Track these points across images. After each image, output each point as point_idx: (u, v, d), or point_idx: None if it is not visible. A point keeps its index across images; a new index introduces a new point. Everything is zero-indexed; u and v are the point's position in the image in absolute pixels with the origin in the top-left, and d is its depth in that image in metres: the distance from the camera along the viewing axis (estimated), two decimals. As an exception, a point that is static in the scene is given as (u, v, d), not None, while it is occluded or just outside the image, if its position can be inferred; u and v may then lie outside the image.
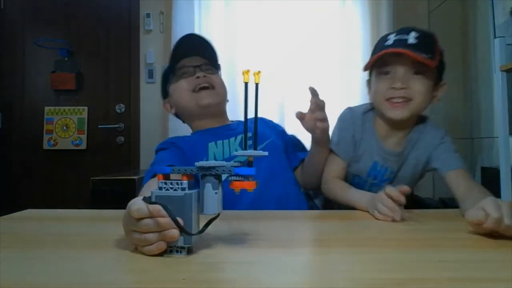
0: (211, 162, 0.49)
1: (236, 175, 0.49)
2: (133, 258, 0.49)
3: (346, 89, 2.25)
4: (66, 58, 2.45)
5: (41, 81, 2.46)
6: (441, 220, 0.76)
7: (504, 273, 0.42)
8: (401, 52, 0.81)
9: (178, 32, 2.28)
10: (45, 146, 2.43)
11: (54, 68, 2.45)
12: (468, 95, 2.19)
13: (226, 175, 0.49)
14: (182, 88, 1.03)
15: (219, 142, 0.96)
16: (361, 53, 2.30)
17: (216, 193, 0.49)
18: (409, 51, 0.80)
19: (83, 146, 2.44)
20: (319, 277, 0.43)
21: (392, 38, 0.84)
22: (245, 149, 0.51)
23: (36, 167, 2.44)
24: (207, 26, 2.32)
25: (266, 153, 0.52)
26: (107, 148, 2.46)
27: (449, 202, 2.04)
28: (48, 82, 2.44)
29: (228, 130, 1.03)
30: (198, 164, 0.49)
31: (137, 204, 0.47)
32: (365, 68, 0.92)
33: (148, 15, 2.43)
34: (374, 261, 0.47)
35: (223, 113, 1.10)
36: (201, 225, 0.51)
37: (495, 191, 1.52)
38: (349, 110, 0.98)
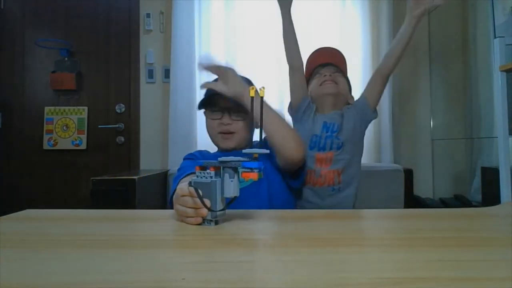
0: (228, 158, 0.66)
1: (244, 167, 0.64)
2: (133, 258, 0.49)
3: (346, 89, 2.25)
4: (66, 58, 2.45)
5: (41, 81, 2.46)
6: (441, 220, 0.76)
7: (504, 272, 0.42)
8: (328, 62, 1.32)
9: (178, 32, 2.28)
10: (45, 146, 2.43)
11: (54, 68, 2.45)
12: (468, 95, 2.19)
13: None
14: (210, 126, 1.13)
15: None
16: (361, 53, 2.30)
17: (232, 180, 0.66)
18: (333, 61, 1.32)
19: (83, 146, 2.44)
20: (319, 277, 0.43)
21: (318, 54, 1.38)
22: (260, 146, 0.67)
23: (36, 167, 2.44)
24: (207, 26, 2.33)
25: (267, 151, 0.67)
26: (107, 148, 2.46)
27: (449, 202, 2.05)
28: (48, 82, 2.44)
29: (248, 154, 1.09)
30: (220, 159, 0.67)
31: (182, 185, 0.70)
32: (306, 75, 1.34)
33: (148, 15, 2.43)
34: (374, 261, 0.47)
35: (245, 144, 1.14)
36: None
37: (495, 191, 1.52)
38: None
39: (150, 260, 0.47)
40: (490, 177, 1.78)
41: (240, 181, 0.67)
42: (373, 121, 1.32)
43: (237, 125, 1.09)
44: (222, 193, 0.66)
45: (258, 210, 0.83)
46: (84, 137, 2.44)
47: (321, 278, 0.43)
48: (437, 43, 2.42)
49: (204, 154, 1.15)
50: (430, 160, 2.43)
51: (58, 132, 2.44)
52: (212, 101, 1.11)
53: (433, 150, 2.43)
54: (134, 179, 1.75)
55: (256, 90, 0.70)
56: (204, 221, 0.66)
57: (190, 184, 0.67)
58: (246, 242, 0.57)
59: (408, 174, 2.10)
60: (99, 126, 2.45)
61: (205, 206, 0.64)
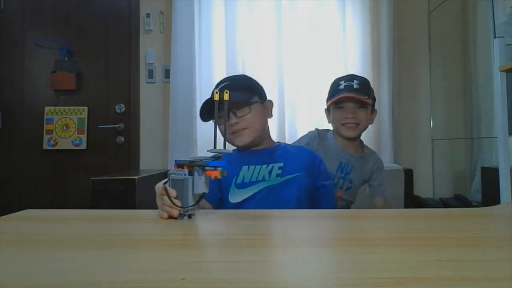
0: (196, 157, 0.71)
1: (208, 166, 0.69)
2: (133, 258, 0.49)
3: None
4: (66, 58, 2.45)
5: (41, 81, 2.46)
6: (441, 220, 0.76)
7: (503, 272, 0.42)
8: (351, 96, 1.25)
9: (178, 32, 2.28)
10: (45, 146, 2.43)
11: (54, 68, 2.45)
12: (468, 95, 2.19)
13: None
14: (220, 130, 1.06)
15: (252, 166, 1.05)
16: (361, 53, 2.30)
17: (200, 178, 0.70)
18: (355, 94, 1.25)
19: (83, 146, 2.44)
20: (319, 277, 0.43)
21: (343, 84, 1.28)
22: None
23: (36, 167, 2.44)
24: (207, 26, 2.33)
25: (230, 151, 0.73)
26: (107, 148, 2.46)
27: (449, 202, 2.05)
28: (48, 82, 2.44)
29: (266, 155, 1.08)
30: (189, 158, 0.72)
31: (159, 184, 0.75)
32: (328, 104, 1.33)
33: (148, 15, 2.43)
34: (374, 261, 0.47)
35: (264, 139, 1.12)
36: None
37: (495, 191, 1.52)
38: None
39: (150, 260, 0.47)
40: (490, 177, 1.78)
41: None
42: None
43: (245, 120, 1.06)
44: (193, 188, 0.70)
45: (258, 210, 0.83)
46: (84, 137, 2.44)
47: (321, 278, 0.43)
48: (437, 43, 2.42)
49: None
50: (430, 160, 2.43)
51: (58, 132, 2.44)
52: (213, 109, 1.09)
53: (433, 150, 2.43)
54: (134, 179, 1.75)
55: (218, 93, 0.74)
56: (178, 216, 0.71)
57: (164, 183, 0.73)
58: (245, 242, 0.57)
59: (408, 174, 2.10)
60: (99, 126, 2.45)
61: (175, 205, 0.69)
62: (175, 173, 0.72)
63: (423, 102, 2.44)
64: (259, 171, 1.04)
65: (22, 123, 2.46)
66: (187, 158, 0.73)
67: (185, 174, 0.70)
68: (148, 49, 2.44)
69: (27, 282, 0.40)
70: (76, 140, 2.44)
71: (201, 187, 0.70)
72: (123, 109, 2.46)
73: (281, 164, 1.04)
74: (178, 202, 0.70)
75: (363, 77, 1.33)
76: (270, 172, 1.03)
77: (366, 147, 1.39)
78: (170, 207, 0.71)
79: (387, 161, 2.20)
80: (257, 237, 0.59)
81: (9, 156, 2.44)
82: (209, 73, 2.28)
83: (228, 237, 0.59)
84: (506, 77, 1.50)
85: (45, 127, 2.44)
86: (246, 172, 1.04)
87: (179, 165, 0.72)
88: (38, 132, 2.44)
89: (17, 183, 2.43)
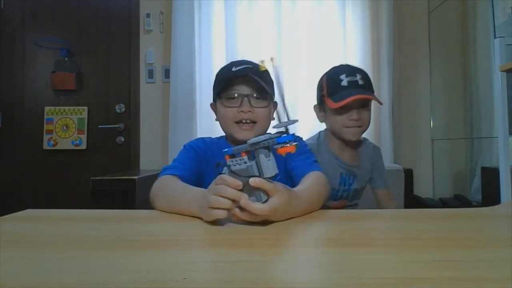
0: (259, 138, 0.63)
1: (278, 143, 0.62)
2: (133, 258, 0.49)
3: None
4: (66, 58, 2.46)
5: (41, 81, 2.46)
6: (441, 220, 0.76)
7: (504, 272, 0.42)
8: (362, 97, 1.07)
9: (178, 32, 2.28)
10: (45, 146, 2.43)
11: (54, 68, 2.45)
12: (468, 95, 2.19)
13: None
14: (225, 116, 0.98)
15: None
16: (361, 53, 2.30)
17: (269, 159, 0.63)
18: (366, 95, 1.08)
19: (83, 146, 2.44)
20: (318, 277, 0.43)
21: (345, 80, 1.09)
22: (287, 118, 0.66)
23: (36, 167, 2.44)
24: (207, 26, 2.33)
25: (297, 120, 0.68)
26: (107, 148, 2.46)
27: (449, 202, 2.05)
28: (48, 82, 2.44)
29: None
30: (249, 141, 0.64)
31: (223, 176, 0.64)
32: (332, 106, 1.10)
33: (148, 15, 2.43)
34: (374, 261, 0.47)
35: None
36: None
37: (495, 191, 1.52)
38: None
39: (150, 260, 0.47)
40: (490, 177, 1.78)
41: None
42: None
43: (259, 114, 0.95)
44: (262, 174, 0.63)
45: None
46: (84, 137, 2.44)
47: (321, 278, 0.43)
48: (437, 43, 2.42)
49: (207, 141, 1.04)
50: (430, 160, 2.43)
51: (58, 132, 2.44)
52: (230, 86, 0.96)
53: (433, 150, 2.44)
54: (134, 179, 1.75)
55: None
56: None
57: (227, 172, 0.65)
58: (246, 242, 0.57)
59: (408, 174, 2.10)
60: (99, 126, 2.45)
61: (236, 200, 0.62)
62: (231, 164, 0.65)
63: (423, 102, 2.44)
64: None
65: (22, 123, 2.46)
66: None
67: (245, 162, 0.64)
68: (148, 49, 2.44)
69: (27, 282, 0.40)
70: (76, 140, 2.44)
71: (273, 168, 0.63)
72: (123, 109, 2.46)
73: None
74: (244, 196, 0.62)
75: (361, 69, 1.16)
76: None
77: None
78: (234, 199, 0.61)
79: (387, 161, 2.20)
80: (257, 237, 0.59)
81: (9, 156, 2.44)
82: (209, 73, 2.28)
83: (228, 237, 0.59)
84: (506, 77, 1.50)
85: (45, 127, 2.44)
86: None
87: (232, 154, 0.65)
88: (38, 132, 2.44)
89: (17, 183, 2.43)
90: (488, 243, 0.55)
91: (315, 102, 1.22)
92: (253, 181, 0.62)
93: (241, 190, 0.63)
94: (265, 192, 0.63)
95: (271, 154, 0.64)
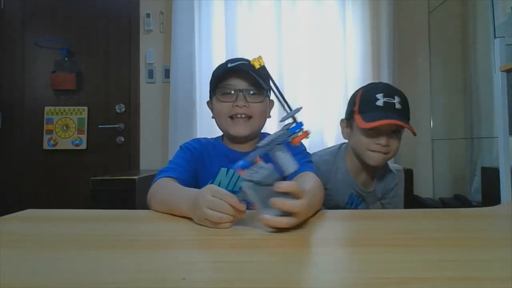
0: (269, 136, 0.64)
1: (293, 133, 0.63)
2: (133, 257, 0.49)
3: (346, 89, 2.25)
4: (66, 58, 2.46)
5: (41, 81, 2.46)
6: (442, 220, 0.76)
7: (504, 272, 0.42)
8: (398, 124, 0.98)
9: (178, 32, 2.28)
10: (45, 146, 2.43)
11: (54, 68, 2.45)
12: (468, 95, 2.19)
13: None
14: (219, 111, 0.97)
15: (231, 171, 0.97)
16: (361, 53, 2.30)
17: (286, 155, 0.63)
18: (402, 122, 0.98)
19: (83, 146, 2.44)
20: (320, 277, 0.43)
21: (381, 100, 1.00)
22: (290, 109, 0.66)
23: (36, 167, 2.44)
24: (207, 26, 2.33)
25: (301, 107, 0.66)
26: (107, 148, 2.46)
27: (449, 202, 2.05)
28: (48, 82, 2.44)
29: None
30: (260, 144, 0.63)
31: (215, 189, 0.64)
32: (360, 125, 1.02)
33: (148, 15, 2.43)
34: (374, 261, 0.47)
35: (255, 138, 1.02)
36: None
37: (495, 191, 1.52)
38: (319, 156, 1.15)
39: (150, 260, 0.47)
40: (490, 177, 1.78)
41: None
42: None
43: (254, 109, 0.94)
44: (284, 171, 0.62)
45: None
46: (84, 137, 2.44)
47: (321, 278, 0.43)
48: (437, 43, 2.42)
49: (203, 142, 1.03)
50: (430, 160, 2.43)
51: (58, 132, 2.44)
52: (225, 82, 0.95)
53: (433, 150, 2.43)
54: (134, 179, 1.75)
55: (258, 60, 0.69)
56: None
57: (252, 186, 0.60)
58: (246, 242, 0.57)
59: (408, 174, 2.09)
60: (99, 126, 2.45)
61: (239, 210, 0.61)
62: (252, 174, 0.61)
63: (423, 102, 2.44)
64: (237, 180, 0.95)
65: (22, 123, 2.46)
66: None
67: (262, 167, 0.61)
68: (148, 49, 2.44)
69: (27, 282, 0.40)
70: (76, 140, 2.44)
71: (294, 162, 0.62)
72: (123, 109, 2.46)
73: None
74: (242, 206, 0.61)
75: (401, 91, 1.06)
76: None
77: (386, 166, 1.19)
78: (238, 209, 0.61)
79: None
80: (258, 237, 0.59)
81: (9, 156, 2.44)
82: (209, 73, 2.24)
83: (228, 237, 0.59)
84: (507, 77, 1.50)
85: (45, 127, 2.44)
86: (223, 177, 0.96)
87: (245, 166, 0.63)
88: (38, 132, 2.44)
89: (17, 183, 2.43)
90: (488, 243, 0.55)
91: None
92: (281, 186, 0.58)
93: (257, 198, 0.60)
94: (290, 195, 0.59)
95: (287, 150, 0.63)
